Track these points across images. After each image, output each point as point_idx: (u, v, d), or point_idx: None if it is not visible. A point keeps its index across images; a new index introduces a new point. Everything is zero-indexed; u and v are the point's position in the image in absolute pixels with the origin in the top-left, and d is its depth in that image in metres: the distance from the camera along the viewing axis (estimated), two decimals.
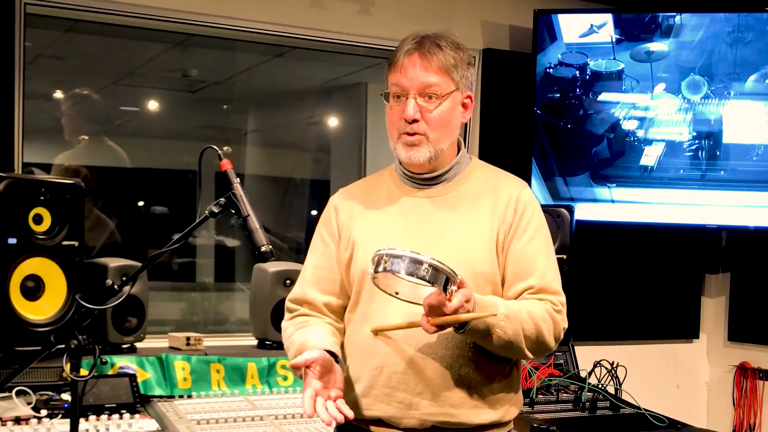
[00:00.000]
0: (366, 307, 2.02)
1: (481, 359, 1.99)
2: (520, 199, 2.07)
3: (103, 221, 4.18)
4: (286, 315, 2.16)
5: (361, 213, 2.12)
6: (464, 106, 2.10)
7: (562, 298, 2.04)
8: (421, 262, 1.78)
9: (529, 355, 1.98)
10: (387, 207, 2.11)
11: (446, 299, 1.79)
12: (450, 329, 1.89)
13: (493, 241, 2.03)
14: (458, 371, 1.98)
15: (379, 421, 2.03)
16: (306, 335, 2.02)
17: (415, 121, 2.01)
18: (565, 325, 2.03)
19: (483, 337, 1.91)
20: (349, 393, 2.07)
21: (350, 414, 1.86)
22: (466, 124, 4.21)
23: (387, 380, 2.00)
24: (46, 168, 4.26)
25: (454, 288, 1.80)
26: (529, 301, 1.99)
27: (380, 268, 1.82)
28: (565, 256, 3.62)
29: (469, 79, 2.09)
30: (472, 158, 2.18)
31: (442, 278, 1.79)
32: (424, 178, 2.10)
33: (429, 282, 1.78)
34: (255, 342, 3.55)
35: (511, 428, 2.13)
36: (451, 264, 1.93)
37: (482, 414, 2.01)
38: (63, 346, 2.09)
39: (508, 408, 2.07)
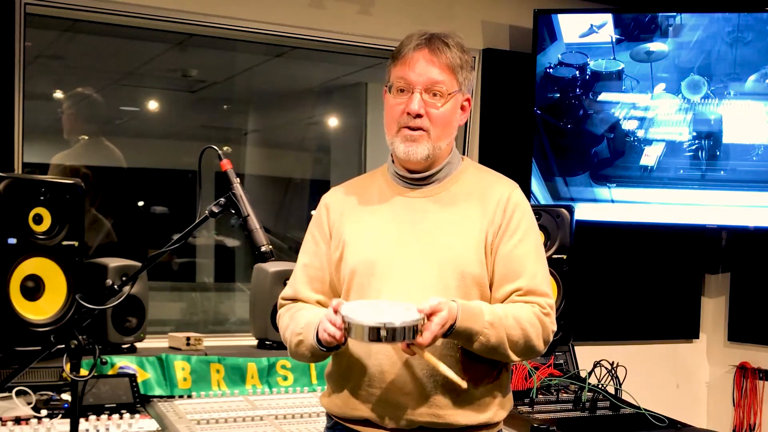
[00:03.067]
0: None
1: (469, 361, 1.99)
2: (510, 200, 2.06)
3: (100, 221, 4.18)
4: (279, 311, 2.18)
5: (352, 212, 2.12)
6: (463, 108, 2.10)
7: (551, 300, 2.04)
8: (377, 330, 1.80)
9: (515, 358, 1.99)
10: (378, 206, 2.11)
11: (416, 341, 1.82)
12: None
13: (481, 242, 2.02)
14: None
15: (366, 422, 2.03)
16: (310, 312, 2.06)
17: (418, 116, 2.01)
18: (554, 328, 2.03)
19: (467, 343, 1.93)
20: (336, 393, 2.08)
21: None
22: (465, 125, 4.23)
23: (374, 381, 2.00)
24: (45, 168, 4.26)
25: (423, 323, 1.83)
26: (517, 305, 1.99)
27: (347, 334, 1.85)
28: (565, 256, 3.62)
29: (471, 82, 2.10)
30: (463, 159, 2.18)
31: (408, 332, 1.81)
32: (416, 178, 2.10)
33: (395, 342, 1.81)
34: (255, 342, 3.54)
35: (500, 429, 2.12)
36: (440, 264, 1.97)
37: (469, 415, 2.01)
38: (63, 346, 2.09)
39: (496, 410, 2.06)
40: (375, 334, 1.80)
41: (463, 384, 1.89)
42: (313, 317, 2.00)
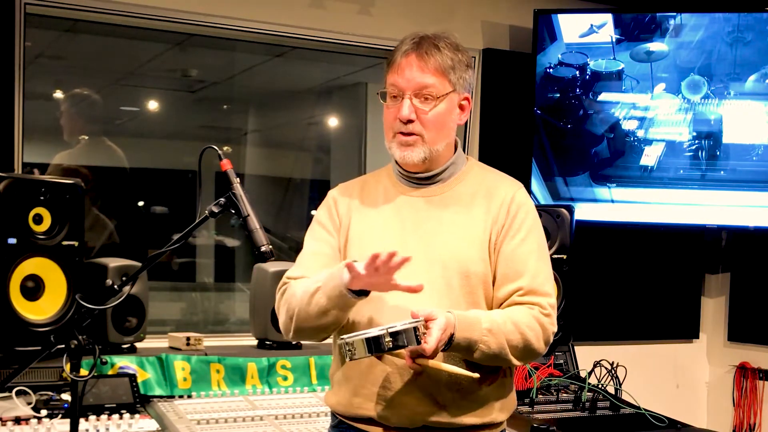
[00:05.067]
0: (360, 305, 2.00)
1: (473, 361, 1.99)
2: (514, 200, 2.07)
3: (102, 221, 4.18)
4: (283, 287, 2.09)
5: (357, 210, 2.13)
6: (461, 107, 2.11)
7: (552, 300, 2.03)
8: (379, 338, 1.78)
9: (516, 363, 1.99)
10: (382, 205, 2.11)
11: (422, 347, 1.81)
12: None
13: (485, 241, 2.03)
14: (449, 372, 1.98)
15: (370, 420, 2.03)
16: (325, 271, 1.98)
17: (410, 121, 2.02)
18: (555, 329, 2.02)
19: (467, 353, 1.93)
20: (341, 391, 2.08)
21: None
22: (465, 125, 4.23)
23: (378, 379, 2.00)
24: (45, 168, 4.26)
25: (423, 331, 1.81)
26: (515, 309, 1.99)
27: (348, 359, 1.83)
28: (565, 256, 3.62)
29: (468, 81, 2.09)
30: (468, 159, 2.19)
31: (410, 336, 1.79)
32: (420, 178, 2.10)
33: (399, 347, 1.80)
34: (255, 342, 3.54)
35: (503, 428, 2.13)
36: (444, 263, 1.97)
37: (473, 415, 2.01)
38: (63, 346, 2.09)
39: (499, 410, 2.06)
40: (377, 344, 1.78)
41: (475, 375, 1.90)
42: (334, 267, 1.94)
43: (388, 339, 1.78)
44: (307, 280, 2.02)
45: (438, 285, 1.99)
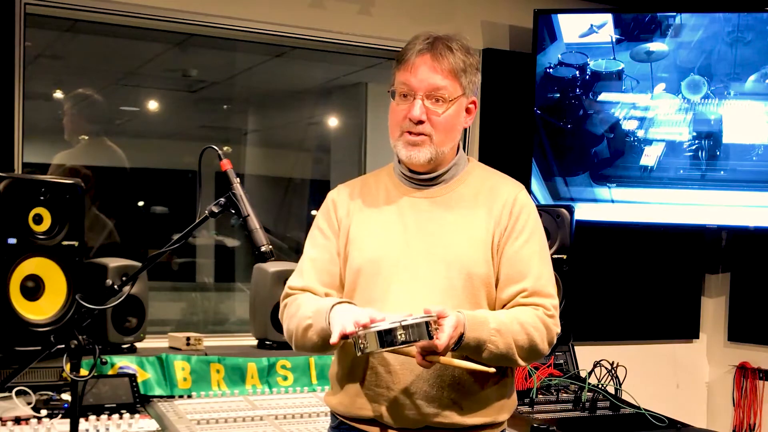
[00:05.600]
0: (362, 306, 1.99)
1: (480, 361, 1.99)
2: (516, 201, 2.07)
3: (102, 221, 4.18)
4: (286, 300, 2.11)
5: (358, 211, 2.12)
6: (468, 111, 2.11)
7: (555, 301, 2.04)
8: (392, 331, 1.77)
9: (522, 363, 1.99)
10: (384, 206, 2.11)
11: (434, 343, 1.80)
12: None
13: (488, 242, 2.03)
14: (452, 372, 1.98)
15: (373, 421, 2.03)
16: (320, 300, 2.00)
17: (420, 122, 2.01)
18: (558, 330, 2.03)
19: (476, 353, 1.93)
20: (342, 392, 2.08)
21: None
22: None
23: (381, 380, 2.00)
24: (45, 168, 4.27)
25: (435, 327, 1.81)
26: (521, 310, 1.99)
27: (360, 352, 1.82)
28: (565, 256, 3.62)
29: (476, 85, 2.11)
30: (470, 160, 2.18)
31: (422, 330, 1.78)
32: (422, 179, 2.10)
33: (411, 341, 1.78)
34: (255, 342, 3.55)
35: (504, 428, 2.13)
36: (447, 264, 1.96)
37: (474, 415, 2.01)
38: (63, 346, 2.09)
39: (500, 409, 2.07)
40: (390, 337, 1.77)
41: (491, 369, 1.89)
42: (325, 303, 1.97)
43: (401, 332, 1.76)
44: (305, 302, 2.03)
45: (441, 286, 1.99)
